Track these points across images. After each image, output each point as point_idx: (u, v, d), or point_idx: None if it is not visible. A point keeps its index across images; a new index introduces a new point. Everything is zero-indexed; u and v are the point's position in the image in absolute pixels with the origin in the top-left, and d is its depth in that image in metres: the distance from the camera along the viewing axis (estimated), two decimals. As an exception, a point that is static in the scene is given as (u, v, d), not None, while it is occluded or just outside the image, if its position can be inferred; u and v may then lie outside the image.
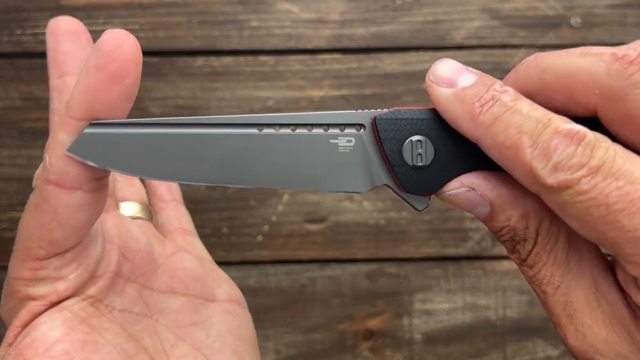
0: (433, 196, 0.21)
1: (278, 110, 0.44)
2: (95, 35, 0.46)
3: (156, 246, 0.28)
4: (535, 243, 0.20)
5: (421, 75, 0.45)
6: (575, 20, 0.45)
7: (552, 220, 0.20)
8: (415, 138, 0.21)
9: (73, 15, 0.44)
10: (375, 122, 0.21)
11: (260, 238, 0.44)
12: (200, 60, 0.45)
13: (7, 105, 0.45)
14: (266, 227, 0.44)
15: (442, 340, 0.44)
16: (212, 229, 0.44)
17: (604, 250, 0.20)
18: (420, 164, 0.21)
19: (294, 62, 0.45)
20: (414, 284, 0.44)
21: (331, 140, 0.21)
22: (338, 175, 0.21)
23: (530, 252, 0.20)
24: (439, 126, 0.21)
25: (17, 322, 0.23)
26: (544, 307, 0.21)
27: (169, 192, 0.34)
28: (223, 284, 0.30)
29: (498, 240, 0.21)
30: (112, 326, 0.24)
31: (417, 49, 0.45)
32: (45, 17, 0.45)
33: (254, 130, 0.21)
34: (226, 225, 0.44)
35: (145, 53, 0.46)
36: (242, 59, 0.45)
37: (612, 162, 0.17)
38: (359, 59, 0.45)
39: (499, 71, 0.44)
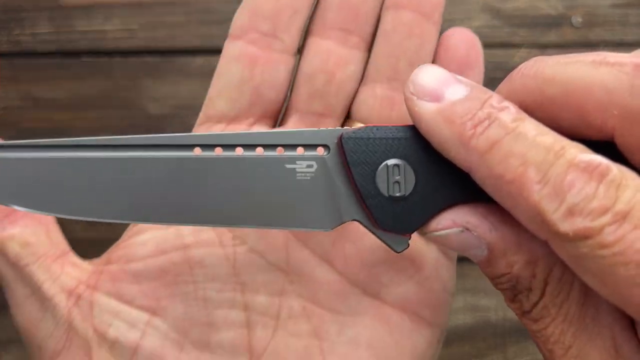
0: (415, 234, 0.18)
1: (278, 110, 0.44)
2: (95, 34, 0.46)
3: None
4: (542, 294, 0.16)
5: (422, 75, 0.44)
6: (577, 20, 0.45)
7: (565, 267, 0.16)
8: (391, 162, 0.17)
9: (72, 15, 0.44)
10: (341, 142, 0.17)
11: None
12: (199, 60, 0.45)
13: (6, 105, 0.44)
14: (266, 228, 0.44)
15: (443, 340, 0.44)
16: (212, 229, 0.44)
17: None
18: (398, 194, 0.17)
19: (294, 62, 0.45)
20: (415, 284, 0.44)
21: (287, 165, 0.17)
22: (296, 210, 0.17)
23: (536, 304, 0.16)
24: (422, 147, 0.17)
25: None
26: None
27: None
28: (407, 286, 0.23)
29: (495, 286, 0.18)
30: (219, 264, 0.21)
31: (417, 48, 0.45)
32: (44, 16, 0.45)
33: (188, 153, 0.17)
34: (226, 225, 0.44)
35: (145, 52, 0.46)
36: (241, 58, 0.45)
37: None
38: (359, 59, 0.45)
39: (500, 70, 0.44)
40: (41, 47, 0.45)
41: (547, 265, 0.16)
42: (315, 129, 0.17)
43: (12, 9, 0.45)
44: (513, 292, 0.17)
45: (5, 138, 0.44)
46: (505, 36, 0.45)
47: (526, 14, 0.45)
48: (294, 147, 0.17)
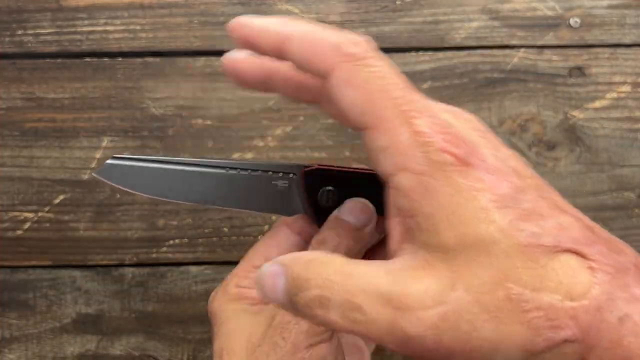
0: None
1: (279, 110, 0.45)
2: (95, 35, 0.46)
3: None
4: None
5: (421, 76, 0.45)
6: (575, 21, 0.45)
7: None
8: (327, 188, 0.30)
9: (74, 16, 0.45)
10: (303, 174, 0.30)
11: (261, 238, 0.44)
12: (201, 61, 0.45)
13: (8, 106, 0.45)
14: (266, 227, 0.44)
15: (442, 339, 0.44)
16: (213, 228, 0.44)
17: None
18: (329, 205, 0.30)
19: (294, 63, 0.45)
20: (414, 283, 0.44)
21: (273, 182, 0.30)
22: (276, 204, 0.31)
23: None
24: (344, 182, 0.30)
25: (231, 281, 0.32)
26: (367, 328, 0.22)
27: None
28: None
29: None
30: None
31: (416, 49, 0.45)
32: (46, 17, 0.45)
33: (223, 171, 0.30)
34: (227, 225, 0.45)
35: (146, 53, 0.46)
36: (242, 59, 0.45)
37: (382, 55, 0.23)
38: (358, 60, 0.45)
39: (498, 71, 0.45)
40: (44, 48, 0.45)
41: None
42: (290, 163, 0.32)
43: (14, 10, 0.45)
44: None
45: (8, 138, 0.45)
46: (504, 37, 0.45)
47: (524, 15, 0.45)
48: (278, 172, 0.30)
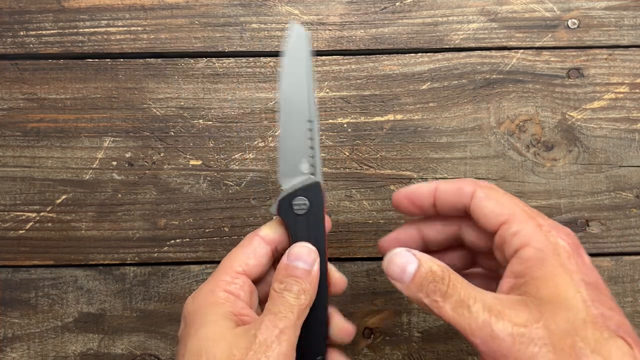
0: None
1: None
2: (97, 36, 0.46)
3: None
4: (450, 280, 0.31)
5: (420, 77, 0.45)
6: (573, 22, 0.45)
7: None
8: (299, 198, 0.35)
9: (76, 17, 0.45)
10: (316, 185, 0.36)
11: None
12: (201, 62, 0.45)
13: (10, 106, 0.45)
14: (267, 227, 0.45)
15: (441, 338, 0.44)
16: (214, 228, 0.45)
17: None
18: (299, 212, 0.35)
19: (295, 64, 0.45)
20: (413, 282, 0.45)
21: (298, 167, 0.36)
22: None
23: (449, 284, 0.31)
24: (313, 198, 0.35)
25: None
26: (466, 321, 0.29)
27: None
28: None
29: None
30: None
31: (415, 50, 0.45)
32: (48, 19, 0.45)
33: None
34: (227, 224, 0.45)
35: (148, 55, 0.46)
36: (243, 60, 0.45)
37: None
38: (358, 61, 0.45)
39: (497, 72, 0.45)
40: (45, 49, 0.45)
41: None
42: (313, 176, 0.36)
43: (16, 12, 0.45)
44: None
45: (10, 138, 0.45)
46: (502, 39, 0.45)
47: (522, 16, 0.45)
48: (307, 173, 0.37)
